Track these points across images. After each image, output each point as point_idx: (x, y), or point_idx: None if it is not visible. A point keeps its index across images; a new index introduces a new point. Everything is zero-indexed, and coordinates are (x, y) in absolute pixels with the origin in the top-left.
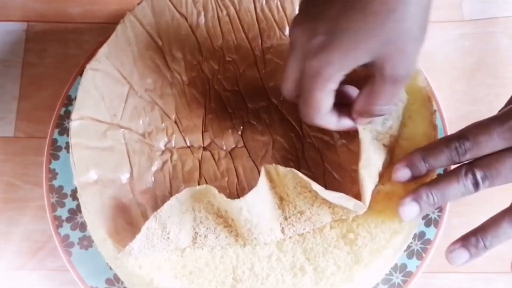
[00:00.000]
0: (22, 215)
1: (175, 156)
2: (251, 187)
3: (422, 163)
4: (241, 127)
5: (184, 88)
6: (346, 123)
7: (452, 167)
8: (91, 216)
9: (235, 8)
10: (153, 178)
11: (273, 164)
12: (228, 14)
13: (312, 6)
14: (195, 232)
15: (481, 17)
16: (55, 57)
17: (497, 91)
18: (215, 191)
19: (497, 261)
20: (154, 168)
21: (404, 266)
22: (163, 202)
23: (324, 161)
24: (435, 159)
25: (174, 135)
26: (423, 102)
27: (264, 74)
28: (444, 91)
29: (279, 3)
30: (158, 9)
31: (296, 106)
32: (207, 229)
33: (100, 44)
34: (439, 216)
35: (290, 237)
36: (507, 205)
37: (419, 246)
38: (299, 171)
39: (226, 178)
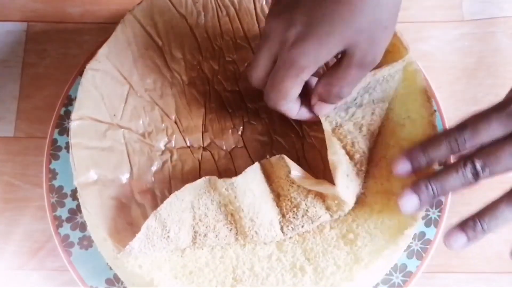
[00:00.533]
0: (22, 215)
1: (175, 156)
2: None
3: (421, 155)
4: (241, 127)
5: (184, 88)
6: (305, 113)
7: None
8: (91, 216)
9: (235, 8)
10: (153, 178)
11: (267, 157)
12: (228, 14)
13: None
14: (195, 231)
15: (481, 17)
16: (55, 57)
17: (497, 91)
18: (216, 178)
19: (497, 261)
20: (154, 168)
21: (404, 266)
22: (163, 202)
23: (324, 161)
24: (434, 150)
25: (174, 135)
26: (423, 102)
27: None
28: (444, 91)
29: None
30: (158, 9)
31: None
32: (206, 227)
33: (100, 44)
34: (439, 216)
35: (290, 237)
36: None
37: (419, 246)
38: None
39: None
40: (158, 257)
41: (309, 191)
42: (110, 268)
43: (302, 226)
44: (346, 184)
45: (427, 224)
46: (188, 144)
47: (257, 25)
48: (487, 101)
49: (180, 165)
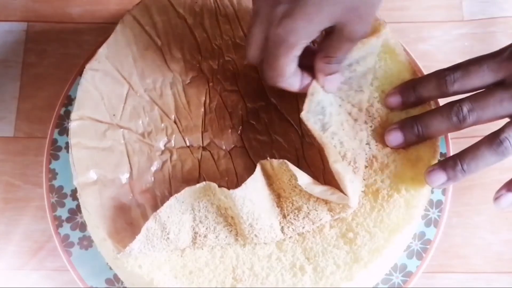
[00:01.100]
0: (22, 215)
1: (174, 156)
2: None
3: (411, 90)
4: (241, 127)
5: (183, 88)
6: (307, 81)
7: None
8: (91, 216)
9: (234, 8)
10: (152, 178)
11: (268, 159)
12: (227, 14)
13: None
14: (195, 232)
15: (481, 17)
16: (55, 57)
17: None
18: (215, 186)
19: (497, 261)
20: (153, 168)
21: (404, 266)
22: (163, 202)
23: (324, 160)
24: (424, 87)
25: (174, 135)
26: (410, 76)
27: None
28: None
29: None
30: (158, 9)
31: (296, 106)
32: (206, 228)
33: (100, 44)
34: (439, 216)
35: (290, 237)
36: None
37: (419, 246)
38: None
39: (226, 178)
40: (158, 257)
41: (311, 194)
42: (110, 268)
43: (303, 227)
44: (353, 189)
45: (427, 224)
46: (188, 144)
47: None
48: None
49: (180, 165)
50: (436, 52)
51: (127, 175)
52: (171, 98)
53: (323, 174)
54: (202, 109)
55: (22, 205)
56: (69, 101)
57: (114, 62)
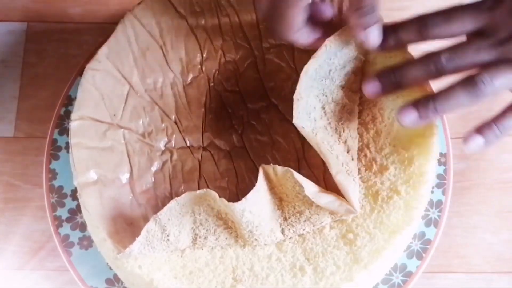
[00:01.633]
0: (22, 215)
1: (175, 156)
2: (251, 187)
3: (391, 32)
4: (241, 128)
5: (184, 88)
6: (317, 36)
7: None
8: (91, 216)
9: (234, 8)
10: (153, 178)
11: (271, 164)
12: (228, 14)
13: None
14: (195, 234)
15: None
16: (55, 57)
17: None
18: (216, 195)
19: (497, 261)
20: (154, 168)
21: (404, 266)
22: (163, 202)
23: (324, 162)
24: (403, 29)
25: (174, 135)
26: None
27: (264, 74)
28: None
29: None
30: (158, 9)
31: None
32: (207, 230)
33: (100, 44)
34: (439, 216)
35: (290, 238)
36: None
37: (419, 246)
38: (299, 171)
39: (226, 178)
40: (158, 257)
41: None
42: (110, 268)
43: (304, 229)
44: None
45: (427, 224)
46: (188, 144)
47: (257, 25)
48: (487, 101)
49: (180, 165)
50: None
51: (127, 175)
52: (171, 98)
53: (324, 175)
54: (203, 110)
55: (22, 205)
56: (69, 101)
57: (114, 62)
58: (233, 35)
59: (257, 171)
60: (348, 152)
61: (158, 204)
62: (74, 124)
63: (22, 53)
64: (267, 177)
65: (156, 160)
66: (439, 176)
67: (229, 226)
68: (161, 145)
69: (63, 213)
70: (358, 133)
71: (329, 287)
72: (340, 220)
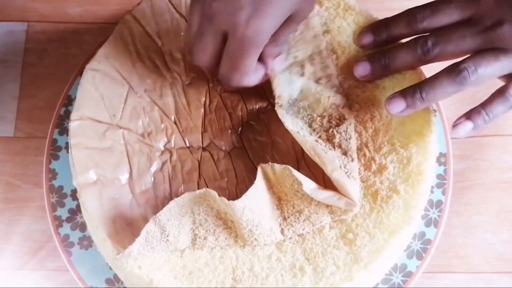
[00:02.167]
0: (22, 215)
1: (174, 157)
2: (250, 187)
3: (383, 28)
4: (240, 128)
5: (183, 89)
6: (262, 72)
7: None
8: (91, 216)
9: None
10: (152, 179)
11: (269, 163)
12: None
13: None
14: (195, 234)
15: None
16: (55, 57)
17: None
18: (215, 194)
19: (497, 261)
20: (153, 169)
21: (404, 266)
22: (163, 202)
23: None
24: (395, 24)
25: (174, 136)
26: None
27: None
28: None
29: None
30: (158, 9)
31: None
32: (206, 231)
33: (100, 44)
34: (439, 216)
35: (290, 238)
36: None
37: (419, 246)
38: (299, 171)
39: (226, 179)
40: (157, 257)
41: (313, 198)
42: (110, 268)
43: (303, 229)
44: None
45: (427, 224)
46: (188, 145)
47: None
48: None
49: (180, 165)
50: None
51: (127, 176)
52: (171, 99)
53: (323, 175)
54: (202, 110)
55: (22, 205)
56: (69, 101)
57: (114, 63)
58: None
59: (257, 171)
60: (345, 154)
61: (158, 204)
62: (73, 124)
63: (22, 53)
64: (266, 176)
65: (155, 161)
66: (439, 176)
67: (228, 226)
68: (161, 146)
69: (63, 213)
70: (357, 132)
71: (329, 287)
72: (339, 220)
